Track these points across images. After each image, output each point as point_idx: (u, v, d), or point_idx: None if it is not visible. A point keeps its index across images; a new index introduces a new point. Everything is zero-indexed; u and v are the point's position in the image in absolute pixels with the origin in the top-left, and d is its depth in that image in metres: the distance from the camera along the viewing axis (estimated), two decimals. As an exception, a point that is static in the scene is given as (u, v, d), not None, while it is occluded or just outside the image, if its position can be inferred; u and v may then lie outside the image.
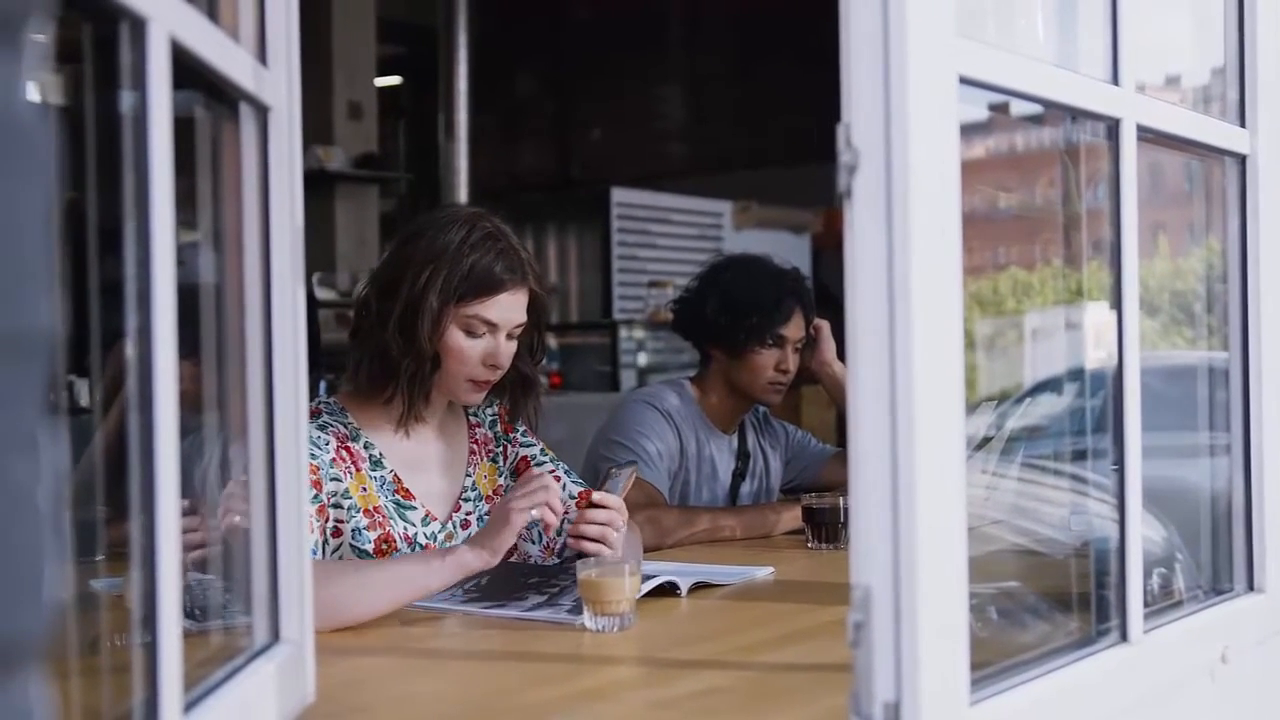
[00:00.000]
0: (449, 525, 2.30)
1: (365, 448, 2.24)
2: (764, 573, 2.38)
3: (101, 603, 1.35)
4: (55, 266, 0.61)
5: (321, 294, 6.68)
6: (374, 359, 2.23)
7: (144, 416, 1.02)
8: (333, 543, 2.15)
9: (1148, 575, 1.63)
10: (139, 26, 1.01)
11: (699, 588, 2.20)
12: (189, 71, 1.13)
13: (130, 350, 1.02)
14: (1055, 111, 1.60)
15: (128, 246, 1.03)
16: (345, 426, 2.24)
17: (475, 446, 2.40)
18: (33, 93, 0.60)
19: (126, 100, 1.03)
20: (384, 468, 2.24)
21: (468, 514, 2.34)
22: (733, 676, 1.68)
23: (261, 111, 1.36)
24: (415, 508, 2.25)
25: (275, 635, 1.38)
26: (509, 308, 2.23)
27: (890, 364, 1.18)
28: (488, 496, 2.37)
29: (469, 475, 2.37)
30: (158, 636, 1.02)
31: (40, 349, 0.60)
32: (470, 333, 2.21)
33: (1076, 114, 1.56)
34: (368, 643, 1.88)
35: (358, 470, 2.21)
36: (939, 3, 1.21)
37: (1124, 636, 1.52)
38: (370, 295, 2.25)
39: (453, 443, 2.37)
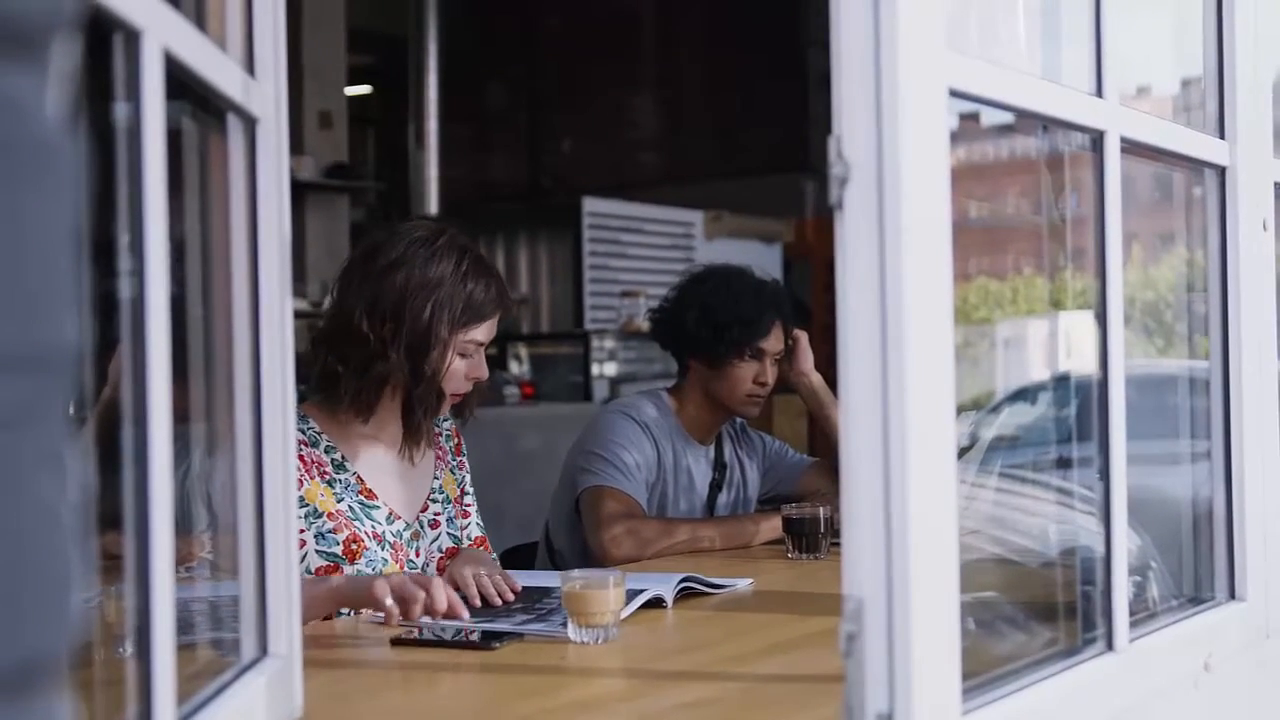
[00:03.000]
0: (415, 524, 2.38)
1: (327, 452, 2.30)
2: (744, 584, 2.38)
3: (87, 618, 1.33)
4: (81, 283, 0.61)
5: (293, 304, 6.63)
6: (374, 384, 2.28)
7: (138, 430, 1.01)
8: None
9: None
10: (133, 38, 1.00)
11: (685, 596, 2.20)
12: (177, 82, 1.12)
13: (123, 363, 1.02)
14: (1027, 121, 1.61)
15: (121, 258, 1.02)
16: (304, 433, 2.27)
17: (440, 452, 2.48)
18: (59, 108, 0.60)
19: (119, 111, 1.02)
20: (348, 470, 2.31)
21: (435, 514, 2.42)
22: (720, 688, 1.68)
23: (249, 123, 1.35)
24: (379, 506, 2.32)
25: (263, 649, 1.37)
26: (494, 327, 2.37)
27: (882, 374, 1.18)
28: (454, 499, 2.47)
29: (436, 478, 2.45)
30: (151, 651, 1.01)
31: (66, 365, 0.59)
32: (463, 355, 2.32)
33: (1062, 126, 1.57)
34: (355, 657, 1.88)
35: (313, 478, 2.26)
36: (930, 16, 1.22)
37: (1110, 645, 1.53)
38: (358, 319, 2.25)
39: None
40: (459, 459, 2.53)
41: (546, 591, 2.20)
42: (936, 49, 1.22)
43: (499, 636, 1.89)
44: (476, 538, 2.47)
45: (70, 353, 0.60)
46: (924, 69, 1.20)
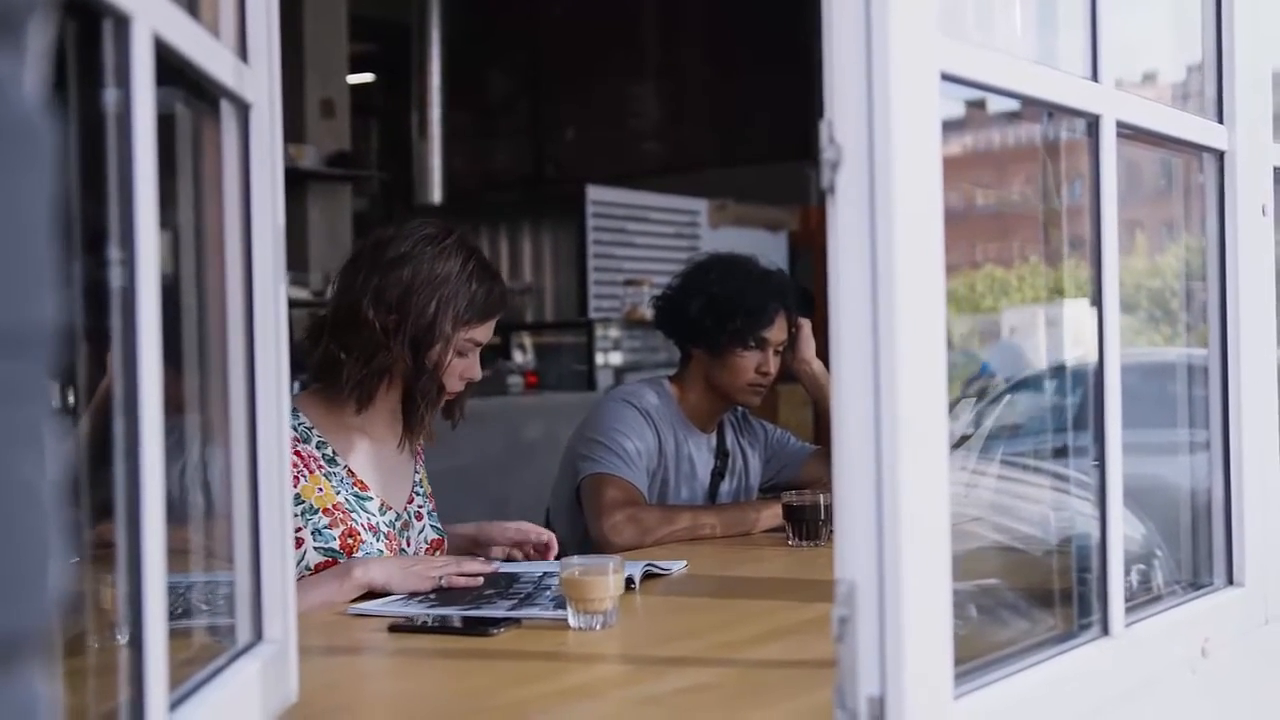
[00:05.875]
0: (405, 515, 2.42)
1: (318, 447, 2.33)
2: (679, 566, 2.42)
3: (82, 604, 1.34)
4: (60, 264, 0.61)
5: (294, 294, 6.66)
6: (376, 374, 2.31)
7: (129, 417, 1.01)
8: (294, 554, 2.20)
9: (1127, 571, 1.64)
10: (122, 24, 1.00)
11: (685, 581, 2.23)
12: (169, 68, 1.12)
13: (112, 351, 1.02)
14: (1032, 108, 1.61)
15: (110, 246, 1.02)
16: (295, 429, 2.28)
17: (418, 449, 2.53)
18: (35, 88, 0.60)
19: (109, 97, 1.02)
20: (339, 464, 2.34)
21: (419, 507, 2.48)
22: (717, 673, 1.68)
23: (243, 109, 1.35)
24: (371, 498, 2.36)
25: (258, 634, 1.37)
26: (492, 328, 2.41)
27: (874, 359, 1.18)
28: (429, 494, 2.53)
29: (417, 472, 2.50)
30: (143, 636, 1.01)
31: (45, 344, 0.60)
32: (460, 354, 2.36)
33: (1057, 110, 1.57)
34: (350, 643, 1.88)
35: (311, 473, 2.29)
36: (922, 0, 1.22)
37: (1105, 630, 1.53)
38: (364, 309, 2.29)
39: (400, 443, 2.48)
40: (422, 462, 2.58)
41: (515, 577, 2.25)
42: (928, 33, 1.22)
43: (496, 622, 1.90)
44: (433, 539, 2.49)
45: (49, 333, 0.60)
46: (915, 53, 1.20)
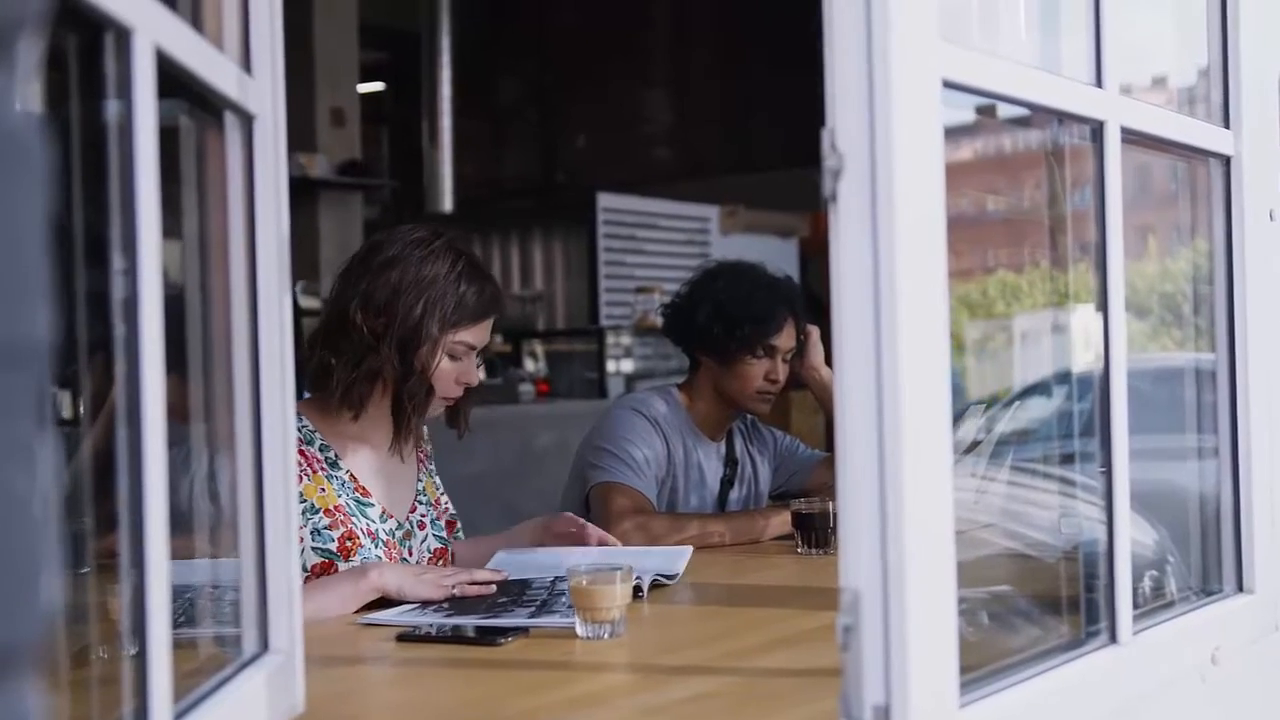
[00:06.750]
0: (406, 524, 2.42)
1: (321, 450, 2.33)
2: (684, 555, 2.43)
3: (89, 615, 1.34)
4: (50, 276, 0.62)
5: (305, 302, 6.65)
6: (365, 378, 2.31)
7: (131, 428, 1.01)
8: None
9: (1139, 578, 1.64)
10: (124, 36, 1.01)
11: (656, 586, 2.24)
12: (173, 80, 1.13)
13: (117, 362, 1.02)
14: (1041, 114, 1.61)
15: (113, 257, 1.03)
16: (299, 431, 2.28)
17: (422, 457, 2.53)
18: (27, 103, 0.61)
19: (111, 109, 1.03)
20: (341, 469, 2.34)
21: (422, 516, 2.47)
22: (723, 682, 1.68)
23: (246, 120, 1.36)
24: (373, 504, 2.36)
25: (264, 645, 1.37)
26: (487, 331, 2.40)
27: (877, 367, 1.18)
28: (434, 502, 2.51)
29: (420, 481, 2.49)
30: (148, 647, 1.01)
31: (37, 358, 0.60)
32: (453, 357, 2.35)
33: (1061, 116, 1.57)
34: (357, 653, 1.88)
35: (314, 473, 2.30)
36: (922, 6, 1.22)
37: (1113, 638, 1.52)
38: (352, 313, 2.30)
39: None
40: (431, 464, 2.57)
41: (527, 584, 2.24)
42: (930, 40, 1.22)
43: (505, 632, 1.90)
44: (436, 549, 2.49)
45: (41, 346, 0.60)
46: (917, 60, 1.20)
